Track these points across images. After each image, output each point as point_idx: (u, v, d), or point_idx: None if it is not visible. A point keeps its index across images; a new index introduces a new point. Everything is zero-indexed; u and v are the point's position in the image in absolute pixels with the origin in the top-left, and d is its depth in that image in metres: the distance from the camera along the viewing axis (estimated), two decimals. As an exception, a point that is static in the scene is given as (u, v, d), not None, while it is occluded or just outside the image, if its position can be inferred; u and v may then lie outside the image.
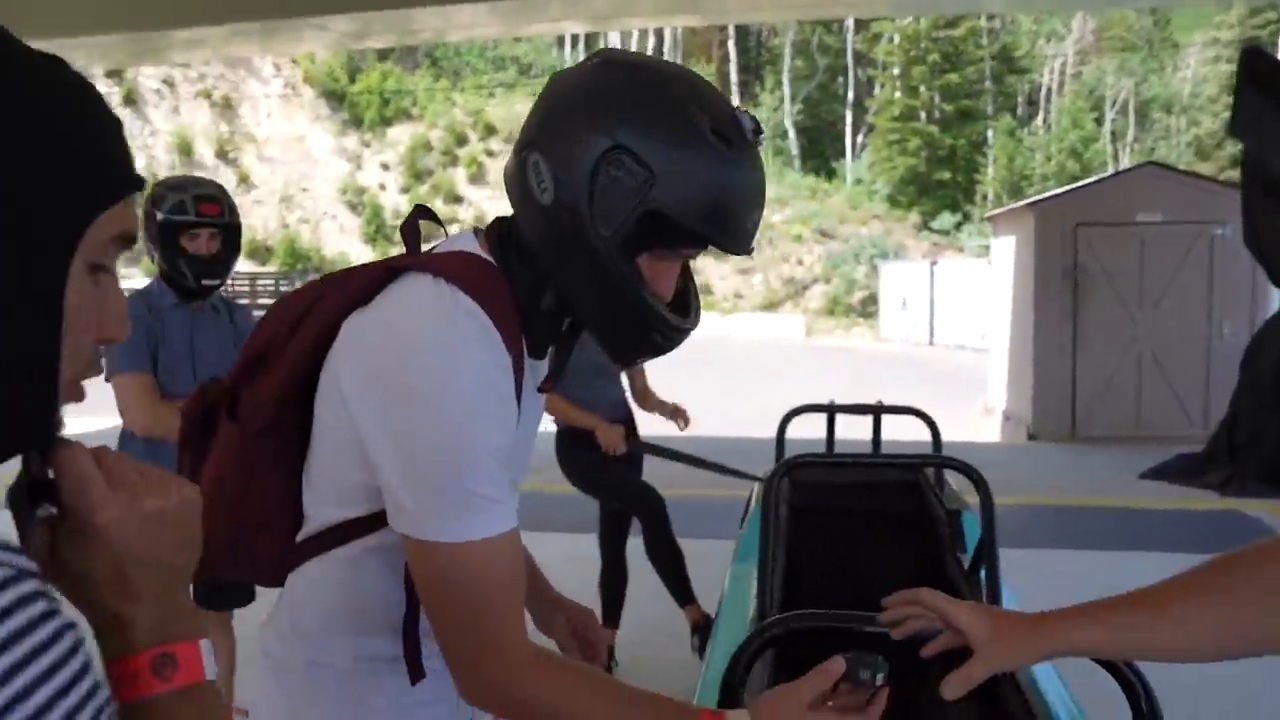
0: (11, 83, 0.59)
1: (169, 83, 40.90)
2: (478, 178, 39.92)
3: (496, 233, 1.12)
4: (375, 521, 1.08)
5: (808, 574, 2.36)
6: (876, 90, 45.19)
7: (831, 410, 3.43)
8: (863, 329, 30.69)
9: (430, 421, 0.98)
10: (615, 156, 0.99)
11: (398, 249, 1.14)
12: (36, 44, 0.61)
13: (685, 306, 1.12)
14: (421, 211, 1.22)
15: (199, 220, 2.62)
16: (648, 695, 1.06)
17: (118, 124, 0.65)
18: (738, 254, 1.07)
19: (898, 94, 42.72)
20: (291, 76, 42.91)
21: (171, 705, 0.62)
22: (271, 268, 35.23)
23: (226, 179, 34.93)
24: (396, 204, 39.54)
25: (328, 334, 1.08)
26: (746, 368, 19.24)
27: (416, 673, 1.14)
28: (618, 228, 1.00)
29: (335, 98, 43.12)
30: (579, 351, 1.26)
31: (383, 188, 41.06)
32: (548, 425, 3.28)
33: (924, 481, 2.78)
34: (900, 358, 22.65)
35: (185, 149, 39.32)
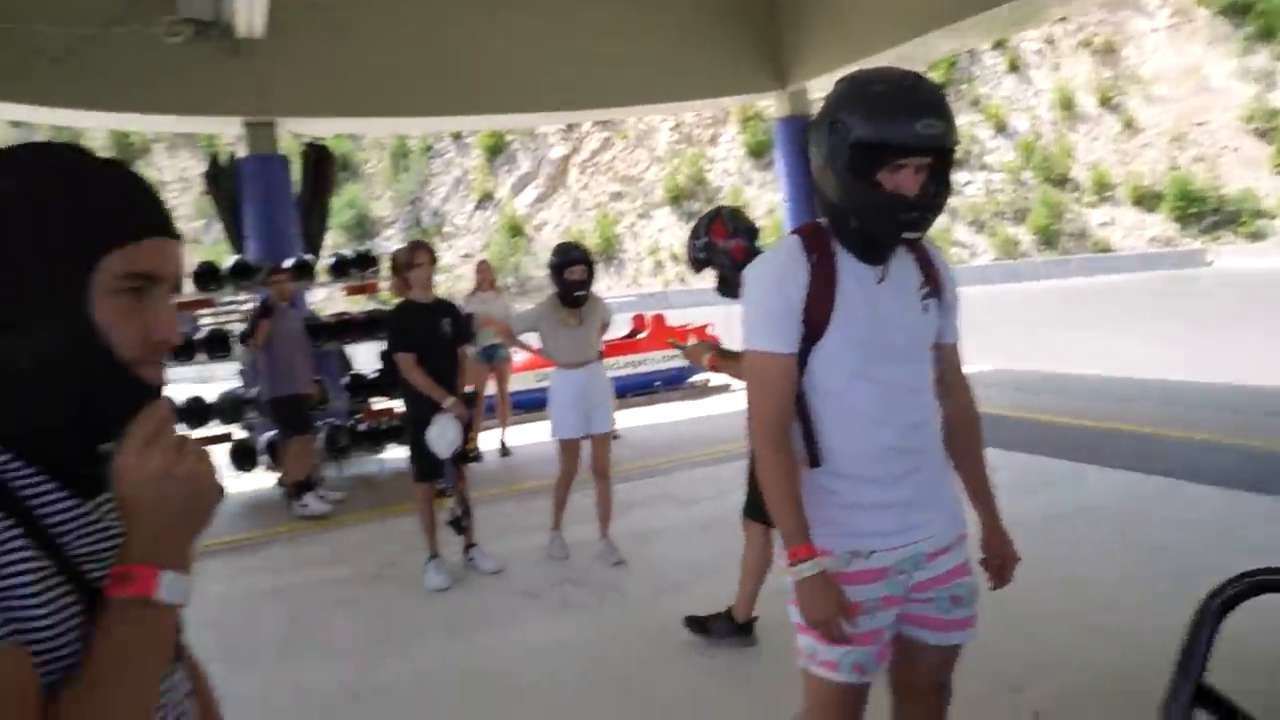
0: (27, 176, 0.86)
1: (1050, 41, 40.96)
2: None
3: None
4: None
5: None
6: None
7: None
8: None
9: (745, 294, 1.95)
10: (834, 126, 1.77)
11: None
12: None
13: (926, 199, 1.77)
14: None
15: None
16: (797, 505, 1.87)
17: (131, 188, 0.90)
18: (913, 149, 1.71)
19: None
20: (1181, 2, 39.11)
21: (120, 608, 0.85)
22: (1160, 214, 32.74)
23: (1109, 126, 34.68)
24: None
25: None
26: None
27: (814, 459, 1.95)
28: (846, 162, 1.76)
29: (1237, 13, 37.79)
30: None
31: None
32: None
33: None
34: None
35: (1066, 103, 39.52)
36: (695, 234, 3.65)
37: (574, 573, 5.13)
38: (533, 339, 5.47)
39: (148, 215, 0.91)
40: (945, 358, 2.04)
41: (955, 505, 2.01)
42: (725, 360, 3.49)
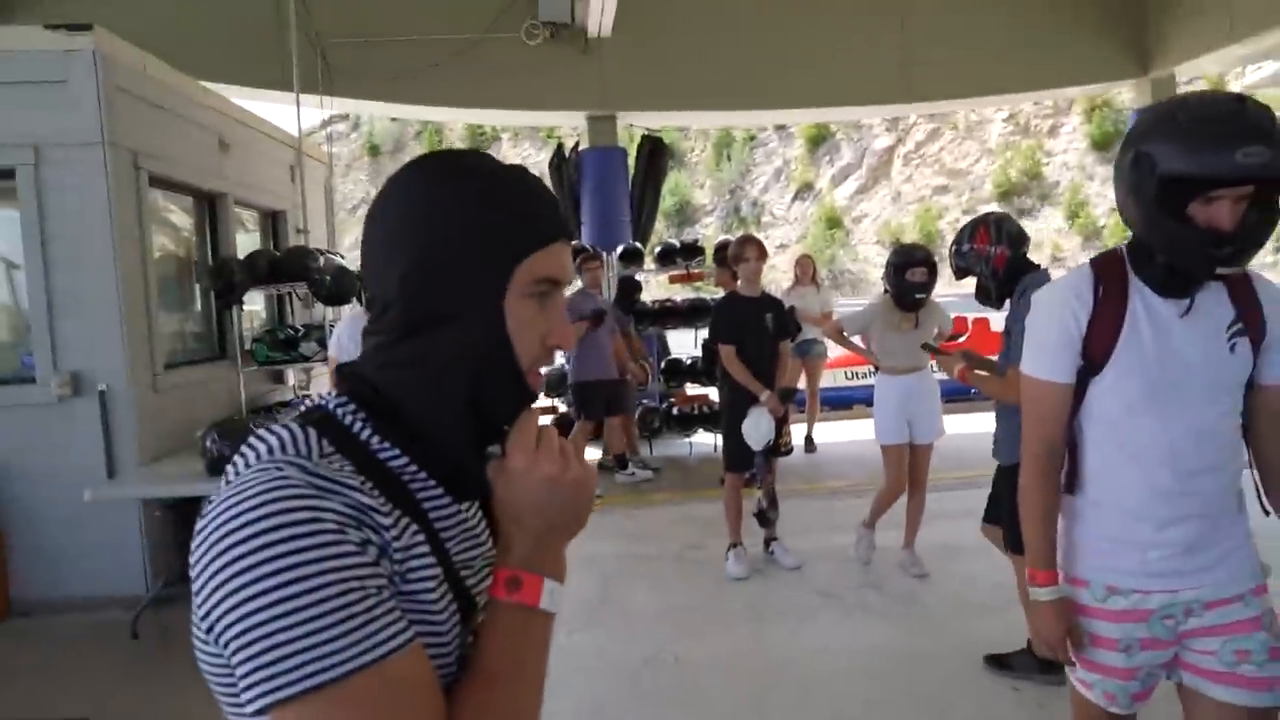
0: (451, 183, 0.89)
1: None
2: None
3: None
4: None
5: None
6: None
7: None
8: None
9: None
10: (1138, 159, 1.70)
11: None
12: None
13: (1244, 232, 1.66)
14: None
15: None
16: (1049, 532, 1.97)
17: (542, 196, 0.93)
18: (1230, 180, 1.61)
19: None
20: None
21: (508, 613, 0.87)
22: None
23: None
24: None
25: None
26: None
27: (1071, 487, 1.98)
28: (1151, 196, 1.68)
29: None
30: None
31: None
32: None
33: None
34: None
35: None
36: (959, 240, 3.68)
37: (874, 578, 5.05)
38: (858, 338, 5.42)
39: (555, 221, 0.93)
40: (1268, 401, 1.87)
41: (1248, 556, 1.91)
42: (976, 374, 3.50)
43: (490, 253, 0.88)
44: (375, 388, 0.90)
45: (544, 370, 0.97)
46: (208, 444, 4.62)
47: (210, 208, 6.51)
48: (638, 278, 8.94)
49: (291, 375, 7.28)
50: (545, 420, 0.95)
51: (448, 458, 0.90)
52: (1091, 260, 1.92)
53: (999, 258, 3.53)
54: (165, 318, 5.73)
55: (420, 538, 0.84)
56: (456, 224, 0.88)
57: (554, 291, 0.93)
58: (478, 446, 0.93)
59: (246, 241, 7.24)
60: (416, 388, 0.89)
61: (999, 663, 3.83)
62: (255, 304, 7.51)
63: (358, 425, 0.88)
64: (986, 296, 3.62)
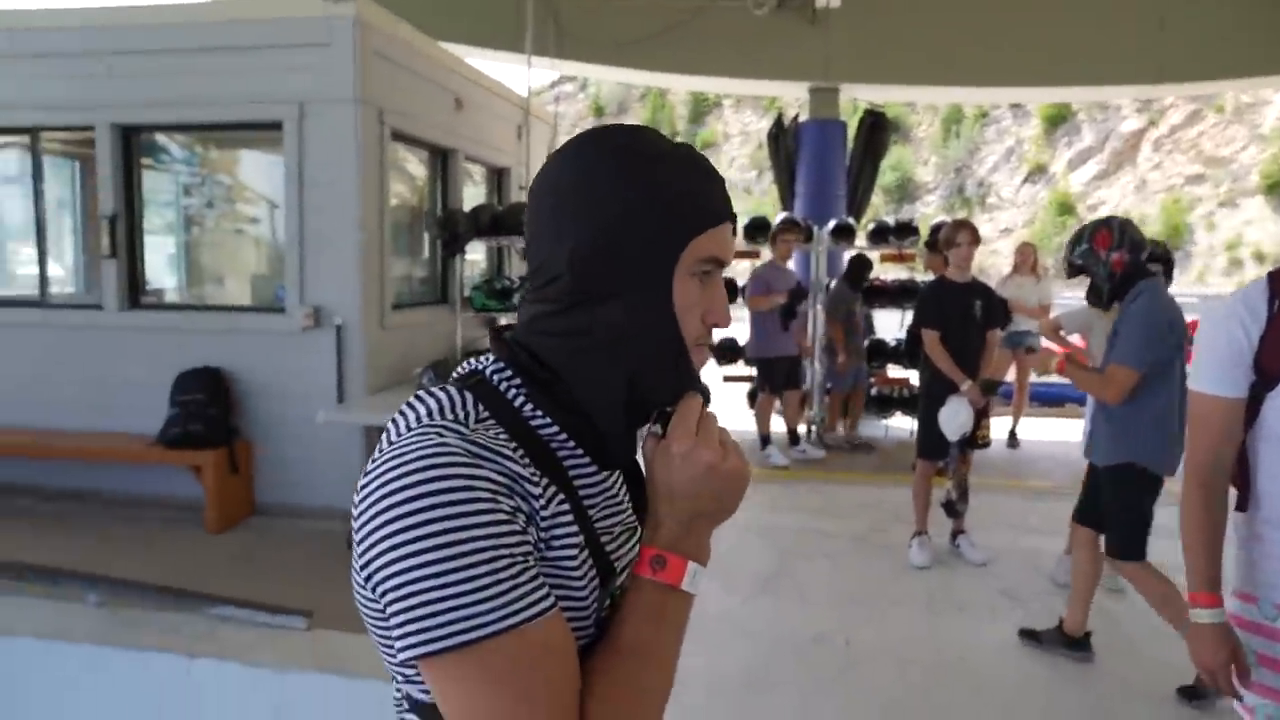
0: (628, 160, 0.90)
1: None
2: None
3: None
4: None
5: None
6: None
7: None
8: None
9: None
10: None
11: None
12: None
13: None
14: None
15: None
16: (1213, 551, 1.85)
17: (713, 176, 0.94)
18: None
19: None
20: None
21: (651, 591, 0.90)
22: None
23: None
24: None
25: None
26: None
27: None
28: None
29: None
30: None
31: None
32: None
33: None
34: None
35: None
36: (1076, 239, 3.68)
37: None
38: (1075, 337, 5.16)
39: (724, 201, 0.94)
40: None
41: None
42: (1073, 368, 3.70)
43: (664, 231, 0.89)
44: (536, 356, 0.93)
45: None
46: (424, 381, 5.02)
47: (443, 162, 6.97)
48: (846, 255, 8.77)
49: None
50: (711, 408, 0.98)
51: (600, 430, 0.92)
52: (1270, 273, 1.84)
53: (1117, 261, 3.53)
54: (396, 262, 6.22)
55: (565, 507, 0.87)
56: (633, 202, 0.89)
57: (716, 272, 0.94)
58: (629, 420, 0.94)
59: (473, 195, 7.69)
60: (579, 360, 0.91)
61: (1195, 694, 3.59)
62: (476, 254, 7.99)
63: (512, 392, 0.91)
64: (1098, 298, 3.63)
